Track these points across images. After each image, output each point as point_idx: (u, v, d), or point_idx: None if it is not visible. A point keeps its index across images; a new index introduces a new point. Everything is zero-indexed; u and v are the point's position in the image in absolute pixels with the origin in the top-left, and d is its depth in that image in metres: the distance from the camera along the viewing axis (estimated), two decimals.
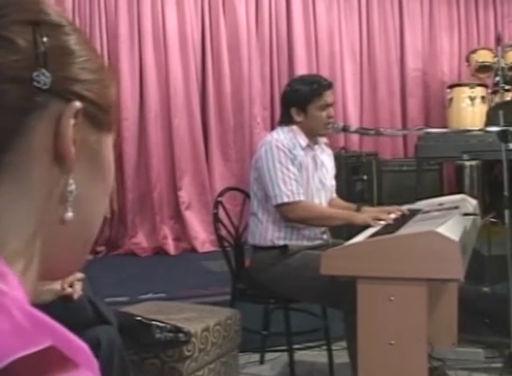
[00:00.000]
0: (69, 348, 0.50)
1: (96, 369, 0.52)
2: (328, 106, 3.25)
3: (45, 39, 0.60)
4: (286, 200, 3.10)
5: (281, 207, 3.12)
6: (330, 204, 3.46)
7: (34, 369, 0.47)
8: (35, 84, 0.58)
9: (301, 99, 3.23)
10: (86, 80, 0.63)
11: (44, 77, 0.58)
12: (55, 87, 0.59)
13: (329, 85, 3.29)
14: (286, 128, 3.26)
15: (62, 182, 0.62)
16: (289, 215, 3.13)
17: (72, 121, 0.60)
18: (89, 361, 0.51)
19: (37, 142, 0.59)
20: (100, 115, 0.65)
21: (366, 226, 3.00)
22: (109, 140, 0.68)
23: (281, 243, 3.19)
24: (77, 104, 0.61)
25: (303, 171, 3.21)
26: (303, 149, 3.23)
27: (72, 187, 0.62)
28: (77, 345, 0.51)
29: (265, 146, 3.19)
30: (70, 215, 0.62)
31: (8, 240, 0.58)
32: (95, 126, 0.65)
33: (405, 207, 3.41)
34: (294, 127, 3.26)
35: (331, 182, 3.46)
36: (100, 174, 0.67)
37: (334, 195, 3.52)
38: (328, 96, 3.25)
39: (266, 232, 3.23)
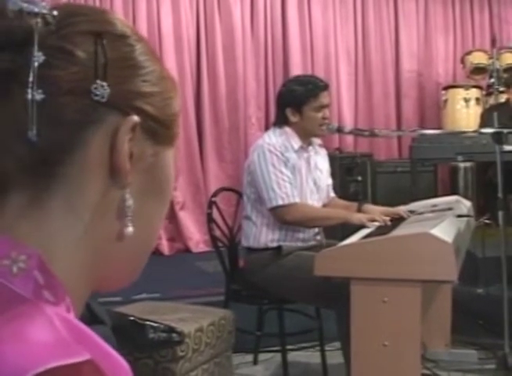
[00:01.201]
0: (108, 365, 0.50)
1: None
2: (323, 107, 3.25)
3: (106, 50, 0.60)
4: (281, 202, 3.10)
5: (276, 210, 3.12)
6: (330, 203, 3.46)
7: None
8: (93, 96, 0.57)
9: (296, 100, 3.23)
10: (147, 93, 0.62)
11: (102, 90, 0.58)
12: (113, 100, 0.59)
13: (325, 86, 3.29)
14: (278, 131, 3.26)
15: (117, 196, 0.61)
16: (285, 218, 3.12)
17: (128, 136, 0.60)
18: None
19: (92, 156, 0.59)
20: (160, 129, 0.64)
21: (361, 226, 3.01)
22: (169, 154, 0.68)
23: (275, 245, 3.19)
24: (135, 118, 0.60)
25: (296, 173, 3.21)
26: (296, 151, 3.22)
27: (130, 202, 0.62)
28: (117, 363, 0.52)
29: (258, 150, 3.19)
30: (130, 229, 0.62)
31: (56, 251, 0.58)
32: (153, 140, 0.64)
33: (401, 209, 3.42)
34: (287, 129, 3.25)
35: (326, 182, 3.46)
36: (157, 188, 0.66)
37: (332, 194, 3.52)
38: (324, 97, 3.25)
39: (260, 235, 3.22)
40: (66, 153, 0.57)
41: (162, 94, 0.65)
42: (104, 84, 0.58)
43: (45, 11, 0.56)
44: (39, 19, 0.56)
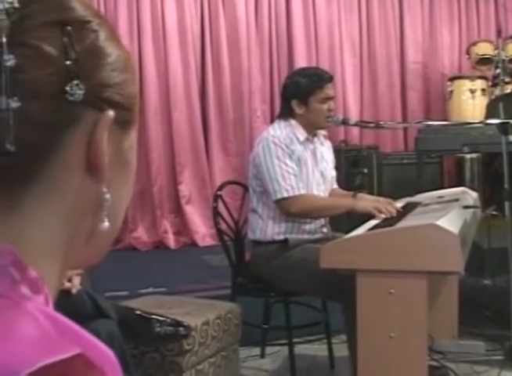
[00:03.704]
0: (95, 356, 0.49)
1: (120, 374, 0.51)
2: (329, 99, 3.24)
3: (74, 43, 0.55)
4: (286, 195, 3.09)
5: (281, 202, 3.11)
6: (331, 194, 3.46)
7: None
8: (68, 97, 0.54)
9: (302, 92, 3.22)
10: (117, 83, 0.60)
11: (77, 89, 0.55)
12: (88, 97, 0.56)
13: (330, 78, 3.28)
14: (283, 123, 3.25)
15: (95, 192, 0.60)
16: (290, 210, 3.12)
17: (107, 132, 0.58)
18: (113, 367, 0.51)
19: (70, 156, 0.57)
20: (127, 116, 0.63)
21: (367, 218, 3.00)
22: (132, 135, 0.66)
23: (281, 238, 3.19)
24: (111, 114, 0.58)
25: (302, 165, 3.20)
26: (301, 143, 3.22)
27: (107, 196, 0.60)
28: (102, 352, 0.51)
29: (262, 142, 3.19)
30: (106, 224, 0.61)
31: (34, 243, 0.56)
32: (123, 128, 0.62)
33: (406, 200, 3.41)
34: (293, 121, 3.24)
35: (331, 173, 3.46)
36: (125, 173, 0.65)
37: (335, 185, 3.52)
38: (329, 89, 3.25)
39: (266, 228, 3.22)
40: (43, 157, 0.55)
41: (128, 81, 0.62)
42: (78, 82, 0.55)
43: (7, 5, 0.52)
44: (4, 17, 0.52)
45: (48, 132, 0.54)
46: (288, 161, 3.13)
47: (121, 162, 0.63)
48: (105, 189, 0.60)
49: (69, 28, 0.56)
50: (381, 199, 3.26)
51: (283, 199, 3.10)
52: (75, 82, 0.55)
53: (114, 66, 0.60)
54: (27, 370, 0.44)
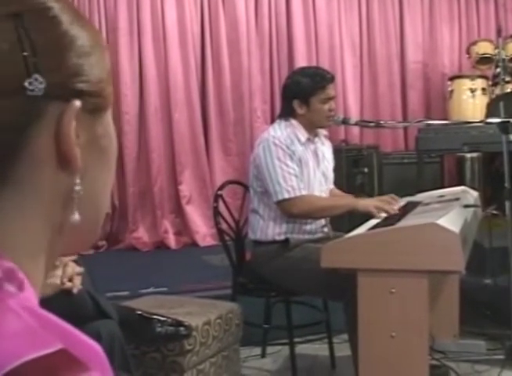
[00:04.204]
0: (80, 351, 0.49)
1: (108, 369, 0.51)
2: (330, 98, 3.24)
3: (31, 35, 0.53)
4: (287, 196, 3.09)
5: (282, 203, 3.11)
6: (329, 194, 3.45)
7: (43, 372, 0.46)
8: (28, 93, 0.52)
9: (303, 92, 3.21)
10: (83, 70, 0.57)
11: (37, 84, 0.52)
12: (51, 90, 0.54)
13: (331, 78, 3.28)
14: (283, 124, 3.25)
15: (68, 184, 0.58)
16: (291, 211, 3.11)
17: (73, 122, 0.56)
18: (101, 362, 0.50)
19: (40, 152, 0.55)
20: (97, 101, 0.60)
21: (367, 218, 3.00)
22: (108, 117, 0.63)
23: (282, 238, 3.19)
24: (77, 104, 0.56)
25: (303, 166, 3.20)
26: (302, 144, 3.22)
27: (77, 187, 0.58)
28: (88, 346, 0.50)
29: (263, 143, 3.18)
30: (76, 217, 0.59)
31: (16, 245, 0.55)
32: (94, 115, 0.60)
33: (406, 200, 3.41)
34: (293, 121, 3.24)
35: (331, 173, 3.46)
36: (103, 159, 0.63)
37: (332, 186, 3.51)
38: (330, 89, 3.25)
39: (267, 228, 3.22)
40: (11, 157, 0.54)
41: (96, 62, 0.59)
42: (37, 76, 0.52)
43: None
44: None
45: (11, 131, 0.53)
46: (289, 162, 3.13)
47: (96, 149, 0.61)
48: (77, 181, 0.58)
49: (24, 19, 0.53)
50: (382, 197, 3.25)
51: (284, 200, 3.10)
52: (35, 76, 0.52)
53: (79, 52, 0.57)
54: (10, 366, 0.44)
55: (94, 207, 0.63)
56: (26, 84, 0.52)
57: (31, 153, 0.54)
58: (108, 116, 0.63)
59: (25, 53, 0.52)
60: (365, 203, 3.13)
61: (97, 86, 0.59)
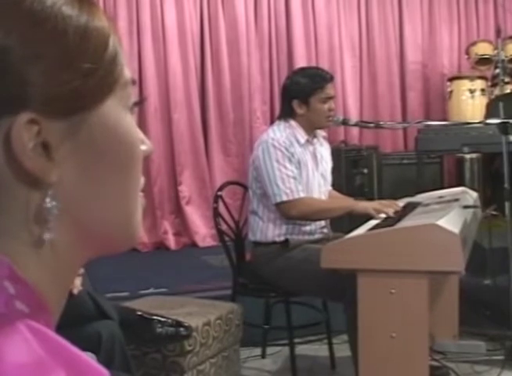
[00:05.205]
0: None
1: None
2: (329, 98, 3.25)
3: None
4: (285, 198, 3.10)
5: (281, 205, 3.12)
6: (328, 196, 3.45)
7: None
8: None
9: (303, 92, 3.22)
10: (34, 72, 0.52)
11: None
12: None
13: (331, 78, 3.29)
14: (282, 125, 3.25)
15: (39, 201, 0.54)
16: (290, 213, 3.12)
17: (26, 136, 0.51)
18: None
19: (1, 171, 0.52)
20: (71, 100, 0.54)
21: (367, 219, 3.00)
22: (109, 107, 0.58)
23: (282, 239, 3.19)
24: (24, 117, 0.51)
25: (302, 168, 3.20)
26: (301, 145, 3.22)
27: (48, 204, 0.54)
28: (95, 372, 0.50)
29: (262, 145, 3.19)
30: (47, 236, 0.54)
31: (19, 265, 0.53)
32: (73, 116, 0.54)
33: (406, 200, 3.41)
34: (293, 122, 3.24)
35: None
36: (110, 160, 0.58)
37: (329, 187, 3.52)
38: (330, 89, 3.26)
39: (267, 230, 3.22)
40: None
41: (66, 54, 0.54)
42: None
43: None
44: None
45: None
46: (288, 164, 3.13)
47: (92, 154, 0.56)
48: (48, 197, 0.54)
49: None
50: (383, 201, 3.25)
51: (283, 202, 3.10)
52: None
53: (35, 50, 0.52)
54: None
55: (108, 210, 0.59)
56: None
57: None
58: (103, 113, 0.57)
59: None
60: (364, 205, 3.13)
61: (64, 88, 0.54)
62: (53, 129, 0.53)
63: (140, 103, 0.63)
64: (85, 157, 0.56)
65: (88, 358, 0.50)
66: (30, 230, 0.54)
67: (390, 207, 3.09)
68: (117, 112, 0.58)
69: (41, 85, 0.52)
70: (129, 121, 0.60)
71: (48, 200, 0.53)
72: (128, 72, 0.61)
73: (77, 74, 0.54)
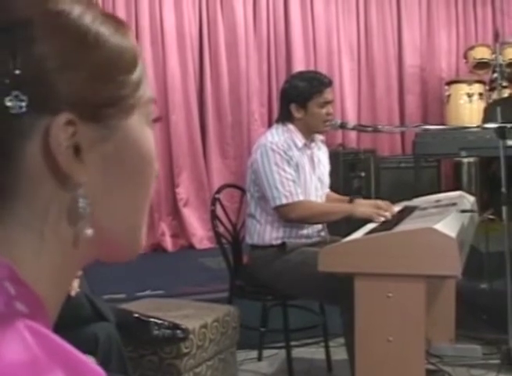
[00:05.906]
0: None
1: None
2: (328, 103, 3.25)
3: (17, 50, 0.52)
4: (285, 201, 3.10)
5: (280, 208, 3.12)
6: (326, 198, 3.46)
7: None
8: (10, 111, 0.51)
9: (301, 96, 3.22)
10: (74, 78, 0.55)
11: (18, 102, 0.52)
12: (35, 105, 0.53)
13: (329, 82, 3.29)
14: (281, 129, 3.25)
15: (71, 199, 0.56)
16: (289, 216, 3.12)
17: (65, 134, 0.54)
18: None
19: (33, 167, 0.54)
20: (105, 108, 0.58)
21: (365, 222, 3.00)
22: (134, 123, 0.61)
23: (279, 242, 3.19)
24: (63, 117, 0.54)
25: (300, 171, 3.21)
26: (299, 149, 3.22)
27: (81, 203, 0.56)
28: (92, 372, 0.50)
29: (260, 148, 3.19)
30: (89, 232, 0.57)
31: (27, 269, 0.54)
32: (104, 121, 0.58)
33: (403, 204, 3.42)
34: (291, 126, 3.24)
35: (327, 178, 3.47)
36: (129, 169, 0.61)
37: (327, 190, 3.52)
38: (328, 93, 3.25)
39: (264, 233, 3.22)
40: (3, 176, 0.54)
41: (99, 68, 0.58)
42: (19, 93, 0.52)
43: None
44: None
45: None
46: (286, 168, 3.14)
47: (116, 162, 0.59)
48: (80, 197, 0.56)
49: (11, 32, 0.52)
50: (379, 202, 3.26)
51: (282, 205, 3.10)
52: (15, 94, 0.52)
53: (70, 59, 0.55)
54: None
55: (119, 219, 0.61)
56: (7, 102, 0.52)
57: (24, 169, 0.54)
58: (130, 127, 0.61)
59: (7, 69, 0.52)
60: (363, 210, 3.13)
61: (99, 95, 0.57)
62: (86, 134, 0.56)
63: (158, 119, 0.67)
64: (109, 166, 0.59)
65: (86, 359, 0.50)
66: (63, 226, 0.56)
67: (386, 209, 3.10)
68: (141, 127, 0.63)
69: (79, 91, 0.55)
70: (151, 138, 0.64)
71: (81, 200, 0.56)
72: (150, 90, 0.65)
73: (112, 84, 0.59)
